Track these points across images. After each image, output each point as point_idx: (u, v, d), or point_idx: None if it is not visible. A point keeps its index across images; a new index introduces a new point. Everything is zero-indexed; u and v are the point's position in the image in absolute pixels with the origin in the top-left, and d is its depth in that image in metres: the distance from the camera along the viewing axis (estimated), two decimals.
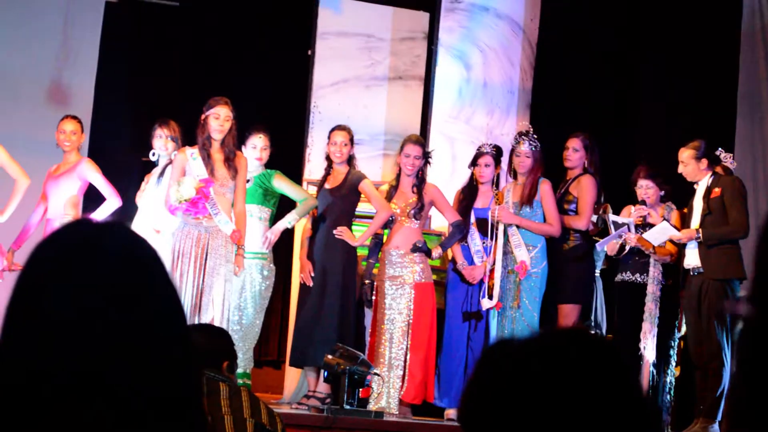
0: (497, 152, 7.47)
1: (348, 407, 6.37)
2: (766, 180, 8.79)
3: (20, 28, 8.37)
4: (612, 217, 7.13)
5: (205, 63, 8.99)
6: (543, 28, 8.96)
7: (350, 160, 7.28)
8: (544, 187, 7.26)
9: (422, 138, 7.87)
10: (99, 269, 1.33)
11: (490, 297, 7.11)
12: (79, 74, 8.42)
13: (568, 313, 7.18)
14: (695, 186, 7.01)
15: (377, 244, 7.30)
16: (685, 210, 7.14)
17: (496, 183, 7.49)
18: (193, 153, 6.68)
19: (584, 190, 7.28)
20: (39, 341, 1.29)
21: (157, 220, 6.92)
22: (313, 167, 8.17)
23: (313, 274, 7.11)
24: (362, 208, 7.50)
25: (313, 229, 7.25)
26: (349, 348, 6.54)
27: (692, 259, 6.89)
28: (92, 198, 7.31)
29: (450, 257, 7.43)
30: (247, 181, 6.90)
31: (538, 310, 7.15)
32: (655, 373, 7.02)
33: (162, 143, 7.22)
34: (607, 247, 7.21)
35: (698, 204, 6.94)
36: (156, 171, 7.21)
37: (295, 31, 9.09)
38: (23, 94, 8.31)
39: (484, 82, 8.83)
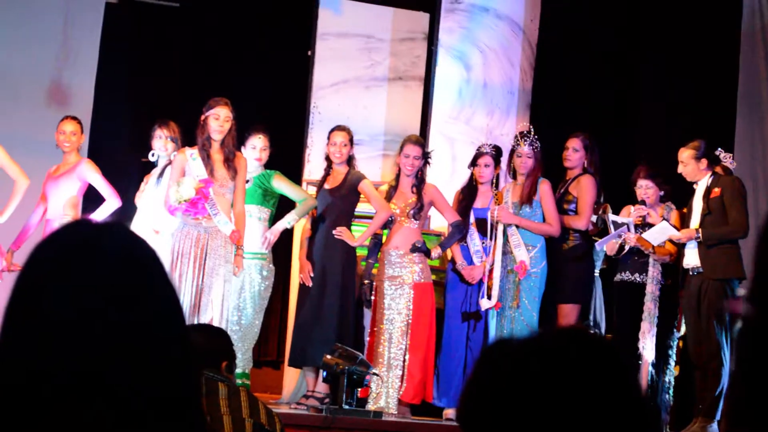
0: (497, 152, 7.47)
1: (347, 407, 6.37)
2: (766, 180, 8.78)
3: (20, 28, 8.37)
4: (611, 217, 7.13)
5: (205, 63, 8.99)
6: (543, 29, 8.95)
7: (350, 161, 7.28)
8: (544, 187, 7.26)
9: (422, 138, 7.87)
10: (98, 270, 1.33)
11: (489, 297, 7.11)
12: (79, 74, 8.42)
13: (568, 313, 7.18)
14: (695, 186, 7.01)
15: (376, 245, 7.30)
16: (685, 210, 7.14)
17: (495, 183, 7.49)
18: (192, 153, 6.68)
19: (584, 190, 7.28)
20: (39, 341, 1.29)
21: (156, 220, 6.92)
22: (313, 167, 8.17)
23: (312, 275, 7.11)
24: (362, 208, 7.49)
25: (312, 229, 7.25)
26: (348, 348, 6.54)
27: (692, 258, 6.89)
28: (92, 198, 7.31)
29: (449, 257, 7.43)
30: (247, 181, 6.90)
31: (538, 310, 7.15)
32: (654, 373, 7.02)
33: (162, 144, 7.22)
34: (606, 246, 7.21)
35: (698, 204, 6.94)
36: (155, 171, 7.21)
37: (295, 31, 9.09)
38: (23, 95, 8.31)
39: (484, 82, 8.83)
